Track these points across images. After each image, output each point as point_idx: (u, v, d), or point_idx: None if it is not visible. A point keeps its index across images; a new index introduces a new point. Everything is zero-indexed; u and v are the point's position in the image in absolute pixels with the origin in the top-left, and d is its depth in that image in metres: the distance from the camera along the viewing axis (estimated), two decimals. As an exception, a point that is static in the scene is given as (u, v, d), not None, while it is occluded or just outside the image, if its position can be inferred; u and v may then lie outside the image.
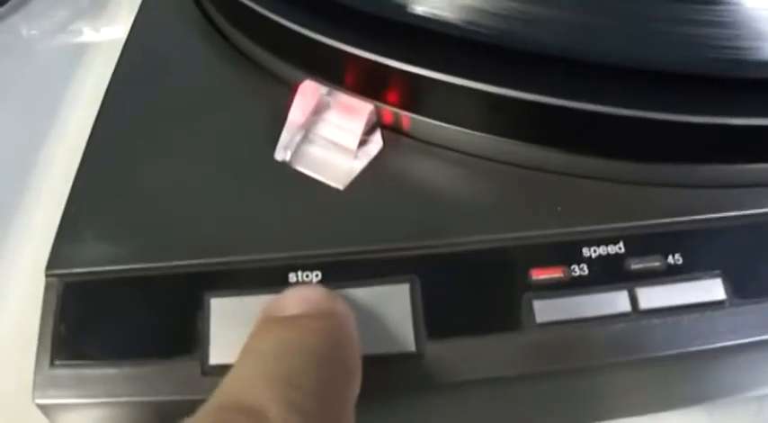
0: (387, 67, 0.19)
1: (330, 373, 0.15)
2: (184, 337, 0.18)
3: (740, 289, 0.19)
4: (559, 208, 0.19)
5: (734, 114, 0.19)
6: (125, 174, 0.20)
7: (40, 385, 0.18)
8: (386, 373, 0.17)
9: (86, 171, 0.20)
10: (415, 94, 0.20)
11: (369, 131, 0.20)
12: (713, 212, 0.20)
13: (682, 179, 0.20)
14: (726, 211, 0.20)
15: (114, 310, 0.18)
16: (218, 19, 0.24)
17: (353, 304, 0.18)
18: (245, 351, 0.16)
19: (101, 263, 0.19)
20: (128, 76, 0.22)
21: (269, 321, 0.17)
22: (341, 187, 0.19)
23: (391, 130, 0.21)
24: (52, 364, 0.18)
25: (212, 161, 0.20)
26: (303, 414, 0.14)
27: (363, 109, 0.20)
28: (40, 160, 0.26)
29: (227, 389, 0.15)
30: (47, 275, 0.19)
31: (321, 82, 0.21)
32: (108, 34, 0.35)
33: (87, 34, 0.36)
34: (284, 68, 0.22)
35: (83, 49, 0.34)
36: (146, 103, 0.22)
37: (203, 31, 0.24)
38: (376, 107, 0.20)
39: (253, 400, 0.14)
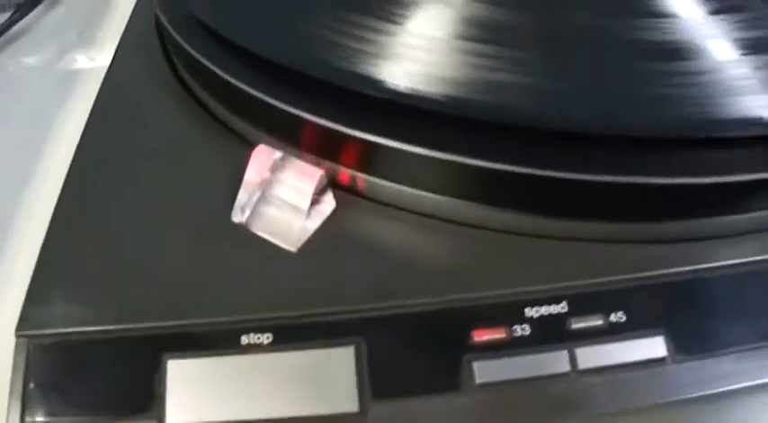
0: (339, 132, 0.20)
1: None
2: (144, 396, 0.19)
3: (683, 345, 0.20)
4: (504, 268, 0.20)
5: (674, 175, 0.19)
6: (91, 237, 0.21)
7: (11, 441, 0.19)
8: (331, 434, 0.18)
9: (54, 236, 0.21)
10: (368, 158, 0.20)
11: (321, 192, 0.21)
12: (657, 269, 0.20)
13: (626, 236, 0.21)
14: (670, 268, 0.20)
15: (79, 369, 0.19)
16: (185, 75, 0.25)
17: (301, 366, 0.19)
18: None
19: (67, 324, 0.20)
20: (97, 133, 0.23)
21: None
22: (293, 249, 0.20)
23: (346, 190, 0.21)
24: (22, 420, 0.19)
25: (174, 223, 0.21)
26: None
27: (314, 174, 0.20)
28: (23, 209, 0.27)
29: None
30: (17, 335, 0.20)
31: (277, 143, 0.21)
32: (98, 68, 0.35)
33: (75, 68, 0.37)
34: (245, 128, 0.23)
35: (71, 84, 0.35)
36: (113, 163, 0.23)
37: (172, 87, 0.25)
38: (331, 168, 0.21)
39: None
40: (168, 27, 0.24)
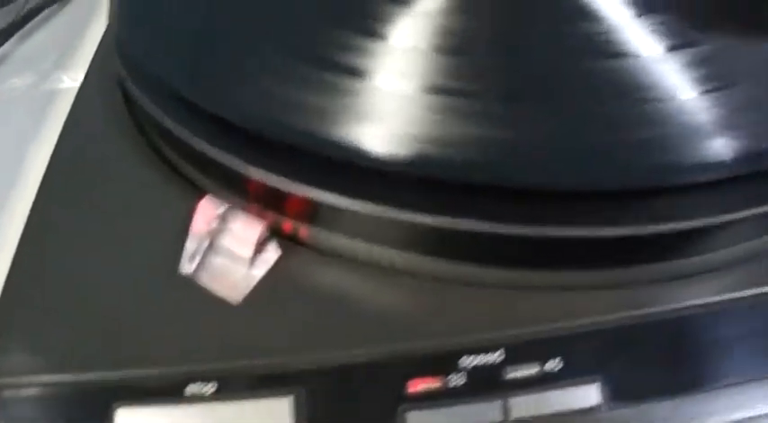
0: (275, 189, 0.20)
1: None
2: (95, 443, 0.20)
3: (617, 392, 0.20)
4: (441, 317, 0.20)
5: (610, 225, 0.20)
6: (47, 287, 0.22)
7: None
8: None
9: (11, 287, 0.22)
10: (306, 210, 0.21)
11: (265, 241, 0.21)
12: (595, 316, 0.21)
13: (564, 283, 0.21)
14: (607, 314, 0.21)
15: (34, 417, 0.20)
16: (143, 121, 0.25)
17: (243, 415, 0.20)
18: None
19: (23, 373, 0.21)
20: (56, 182, 0.24)
21: None
22: (238, 300, 0.21)
23: (290, 240, 0.22)
24: (-18, 466, 0.20)
25: (127, 272, 0.22)
26: None
27: (257, 225, 0.21)
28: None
29: None
30: (-24, 385, 0.21)
31: (223, 192, 0.22)
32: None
33: (60, 88, 0.37)
34: (193, 174, 0.23)
35: (54, 105, 0.36)
36: (68, 212, 0.23)
37: (131, 133, 0.25)
38: (274, 218, 0.22)
39: None
40: (122, 70, 0.25)
